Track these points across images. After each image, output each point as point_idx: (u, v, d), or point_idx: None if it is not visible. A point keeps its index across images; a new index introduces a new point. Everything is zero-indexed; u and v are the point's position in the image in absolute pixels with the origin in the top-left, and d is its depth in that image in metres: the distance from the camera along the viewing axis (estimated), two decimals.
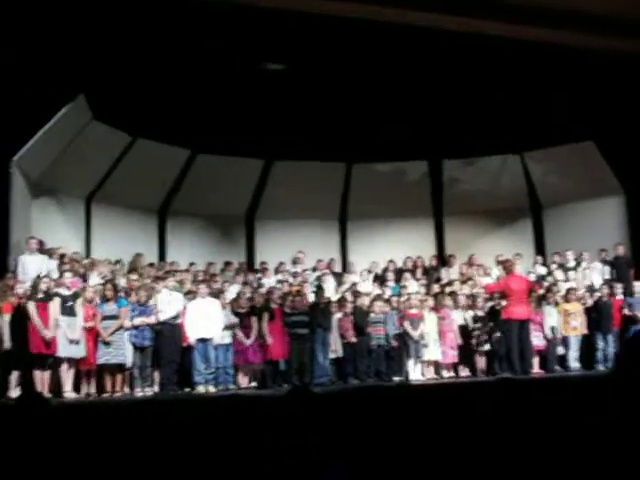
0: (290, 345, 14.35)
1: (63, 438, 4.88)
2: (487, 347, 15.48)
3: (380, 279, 17.72)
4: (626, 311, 15.91)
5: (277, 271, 17.80)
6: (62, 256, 14.65)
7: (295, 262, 18.28)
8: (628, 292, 16.31)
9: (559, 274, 17.55)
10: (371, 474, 4.44)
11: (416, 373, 15.23)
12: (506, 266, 15.43)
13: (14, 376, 12.02)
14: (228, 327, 14.06)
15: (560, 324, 15.83)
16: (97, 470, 4.61)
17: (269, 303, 14.66)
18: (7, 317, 12.16)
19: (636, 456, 2.56)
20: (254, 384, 14.46)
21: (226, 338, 14.02)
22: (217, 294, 14.44)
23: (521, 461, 4.02)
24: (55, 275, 13.61)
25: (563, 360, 15.90)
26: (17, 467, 4.41)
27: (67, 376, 12.50)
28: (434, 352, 15.39)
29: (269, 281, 17.00)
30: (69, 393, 12.38)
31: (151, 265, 16.38)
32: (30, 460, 4.46)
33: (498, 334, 15.20)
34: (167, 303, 13.54)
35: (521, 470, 3.96)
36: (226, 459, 4.73)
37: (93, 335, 12.94)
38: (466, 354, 15.66)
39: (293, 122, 17.20)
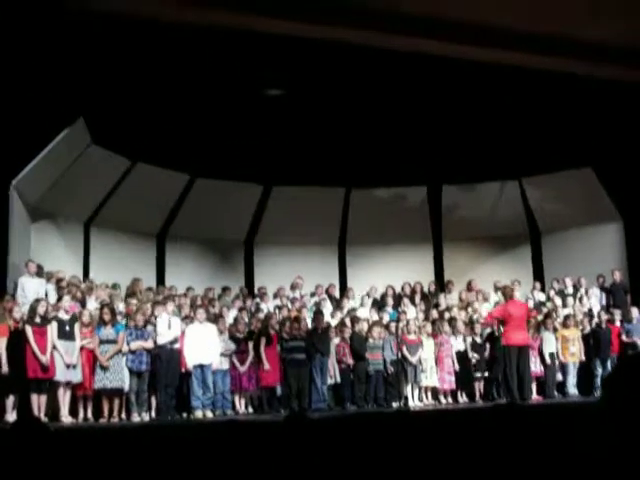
0: (286, 371, 14.33)
1: (59, 463, 4.84)
2: (485, 373, 15.51)
3: (378, 304, 17.70)
4: (624, 337, 15.93)
5: (276, 296, 17.76)
6: (60, 280, 14.63)
7: (293, 287, 18.24)
8: (626, 318, 16.32)
9: (557, 300, 17.55)
10: None
11: (414, 399, 15.21)
12: (505, 292, 15.40)
13: (11, 400, 11.97)
14: (224, 354, 14.04)
15: (558, 350, 15.83)
16: None
17: (267, 328, 14.64)
18: (3, 340, 12.11)
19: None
20: (251, 410, 14.45)
21: (224, 364, 14.02)
22: (216, 319, 14.42)
23: None
24: (53, 299, 13.59)
25: (561, 386, 15.89)
26: None
27: (64, 400, 12.46)
28: (431, 378, 15.37)
29: (267, 306, 16.98)
30: (66, 417, 12.33)
31: (149, 290, 16.35)
32: None
33: (495, 360, 15.23)
34: (167, 328, 13.51)
35: None
36: None
37: (90, 360, 12.91)
38: (464, 380, 15.65)
39: (292, 147, 17.23)
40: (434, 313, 16.93)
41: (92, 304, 14.33)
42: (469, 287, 18.24)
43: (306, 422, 5.59)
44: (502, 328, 15.04)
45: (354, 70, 14.19)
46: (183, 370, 13.61)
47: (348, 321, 15.73)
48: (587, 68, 11.89)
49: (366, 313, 16.80)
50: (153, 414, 13.35)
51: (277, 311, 16.20)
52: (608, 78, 12.61)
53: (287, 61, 13.85)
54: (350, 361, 14.94)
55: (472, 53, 11.44)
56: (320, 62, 13.70)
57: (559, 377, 15.96)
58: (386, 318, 16.35)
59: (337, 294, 18.73)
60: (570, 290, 18.13)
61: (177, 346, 13.57)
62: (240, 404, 14.33)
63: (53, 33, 12.22)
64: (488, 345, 15.72)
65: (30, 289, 13.76)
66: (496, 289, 17.85)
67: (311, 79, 14.78)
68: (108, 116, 15.36)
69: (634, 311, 16.31)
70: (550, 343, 15.82)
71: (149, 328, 13.48)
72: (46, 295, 13.74)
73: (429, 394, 15.53)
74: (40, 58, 12.84)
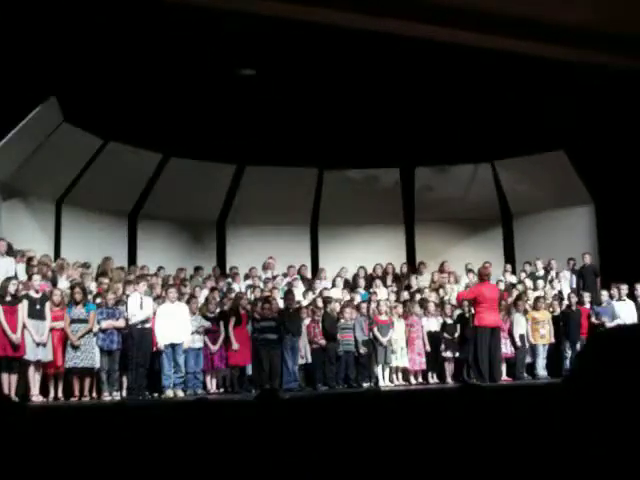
0: (258, 351, 14.33)
1: (31, 442, 4.85)
2: (456, 354, 15.62)
3: (350, 285, 17.72)
4: (594, 319, 16.04)
5: (247, 277, 17.73)
6: (30, 259, 14.54)
7: (265, 268, 18.20)
8: (595, 301, 16.45)
9: (528, 282, 17.64)
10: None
11: (385, 379, 15.29)
12: (483, 273, 15.42)
13: None
14: (198, 332, 14.05)
15: (528, 332, 15.92)
16: (64, 475, 4.58)
17: (237, 308, 14.65)
18: None
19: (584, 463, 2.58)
20: (222, 390, 14.49)
21: (197, 342, 14.02)
22: (189, 299, 14.41)
23: (491, 467, 4.03)
24: (23, 278, 13.52)
25: (530, 368, 16.00)
26: None
27: (34, 380, 12.43)
28: (402, 359, 15.45)
29: (239, 286, 16.96)
30: (36, 397, 12.30)
31: (121, 269, 16.29)
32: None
33: (466, 341, 15.32)
34: (138, 307, 13.47)
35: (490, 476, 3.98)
36: (194, 465, 4.71)
37: (61, 339, 12.87)
38: (435, 361, 15.74)
39: (265, 127, 17.21)
40: (405, 294, 16.98)
41: (63, 283, 14.26)
42: (442, 269, 18.28)
43: (278, 402, 5.61)
44: (472, 309, 15.12)
45: (327, 51, 14.17)
46: (154, 349, 13.61)
47: (320, 301, 15.74)
48: (561, 52, 11.95)
49: (338, 294, 16.82)
50: (124, 393, 13.35)
51: (249, 291, 16.20)
52: (581, 62, 12.68)
53: (260, 41, 13.81)
54: (322, 341, 14.95)
55: (446, 35, 11.46)
56: (293, 42, 13.67)
57: (529, 359, 16.06)
58: (357, 299, 16.38)
59: (309, 275, 18.73)
60: (541, 273, 18.24)
61: (148, 325, 13.54)
62: (211, 384, 14.37)
63: (25, 9, 12.13)
64: (459, 326, 15.80)
65: (0, 268, 13.67)
66: (467, 271, 17.94)
67: (285, 59, 14.75)
68: (80, 94, 15.27)
69: (604, 294, 16.43)
70: (520, 325, 15.90)
71: (120, 307, 13.45)
72: (16, 274, 13.66)
73: (399, 375, 15.62)
74: (12, 35, 12.73)
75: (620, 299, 16.20)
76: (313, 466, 4.45)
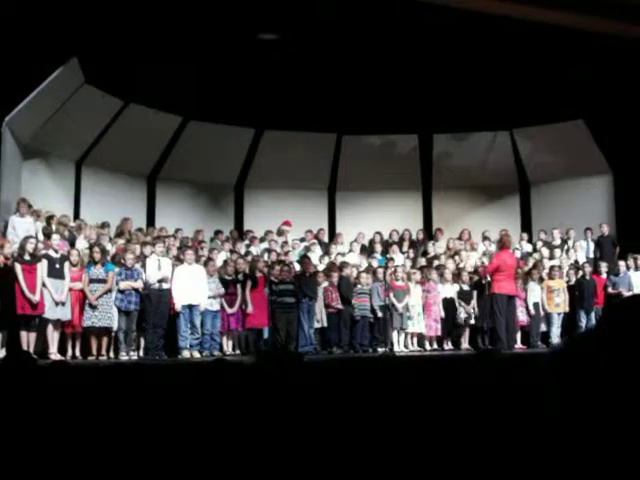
0: (275, 314, 14.42)
1: (48, 398, 4.93)
2: (472, 321, 15.67)
3: (367, 250, 17.78)
4: (610, 289, 16.03)
5: (263, 240, 17.81)
6: (50, 218, 14.66)
7: (280, 233, 18.28)
8: (613, 271, 16.43)
9: (545, 251, 17.64)
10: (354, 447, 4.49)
11: (400, 345, 15.35)
12: (505, 240, 15.32)
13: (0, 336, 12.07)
14: (215, 296, 14.11)
15: (543, 300, 15.94)
16: (79, 431, 4.66)
17: (253, 271, 14.73)
18: None
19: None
20: (238, 351, 14.59)
21: (214, 305, 14.09)
22: (206, 262, 14.48)
23: (504, 434, 4.08)
24: (41, 237, 13.62)
25: (545, 336, 16.04)
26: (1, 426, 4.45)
27: (53, 338, 12.56)
28: (418, 325, 15.50)
29: (256, 249, 17.04)
30: (54, 355, 12.43)
31: (139, 230, 16.39)
32: (15, 419, 4.51)
33: (482, 308, 15.38)
34: (156, 268, 13.56)
35: (503, 443, 4.03)
36: (209, 424, 4.79)
37: (79, 298, 12.98)
38: (450, 327, 15.79)
39: (285, 92, 17.20)
40: (422, 260, 17.02)
41: (81, 243, 14.36)
42: (461, 236, 18.29)
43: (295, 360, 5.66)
44: (489, 276, 15.10)
45: (348, 17, 14.14)
46: (172, 312, 13.70)
47: (336, 266, 15.80)
48: (581, 21, 11.91)
49: (354, 259, 16.87)
50: (141, 353, 13.48)
51: (266, 254, 16.27)
52: (601, 31, 12.63)
53: (282, 5, 13.79)
54: (339, 306, 15.01)
55: (464, 2, 11.45)
56: (314, 7, 13.65)
57: (543, 327, 16.09)
58: (374, 264, 16.43)
59: (326, 239, 18.79)
60: (557, 241, 18.24)
61: (166, 287, 13.62)
62: (227, 345, 14.48)
63: None
64: (475, 293, 15.83)
65: (21, 227, 13.78)
66: (484, 238, 17.98)
67: (306, 24, 14.72)
68: (102, 56, 15.30)
69: (621, 264, 16.41)
70: (535, 293, 15.93)
71: (139, 268, 13.53)
72: (37, 234, 13.76)
73: (414, 340, 15.68)
74: None
75: (637, 269, 16.20)
76: (327, 428, 4.52)
